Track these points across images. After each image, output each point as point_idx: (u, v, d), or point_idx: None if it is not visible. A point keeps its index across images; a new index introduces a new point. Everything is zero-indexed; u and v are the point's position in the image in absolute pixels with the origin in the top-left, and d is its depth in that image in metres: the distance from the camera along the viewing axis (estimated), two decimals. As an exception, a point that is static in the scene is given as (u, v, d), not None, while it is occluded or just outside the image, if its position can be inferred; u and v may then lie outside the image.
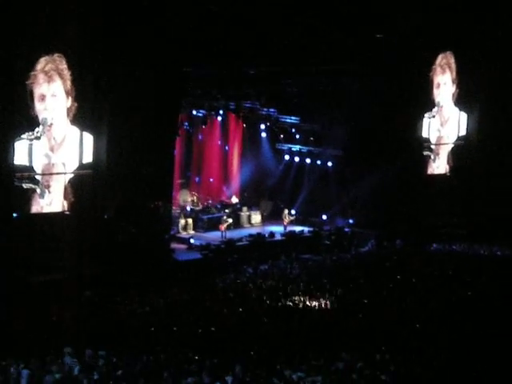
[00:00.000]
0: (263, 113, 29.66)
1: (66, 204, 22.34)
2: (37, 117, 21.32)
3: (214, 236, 27.76)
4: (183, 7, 23.30)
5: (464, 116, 31.71)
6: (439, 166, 31.37)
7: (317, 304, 19.36)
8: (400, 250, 26.12)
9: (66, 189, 22.34)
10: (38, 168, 21.63)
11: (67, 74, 21.72)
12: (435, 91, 30.66)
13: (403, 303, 19.09)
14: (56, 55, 21.40)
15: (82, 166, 22.48)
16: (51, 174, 21.99)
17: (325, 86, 28.28)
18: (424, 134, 30.50)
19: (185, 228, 28.03)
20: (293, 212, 30.12)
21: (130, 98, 22.92)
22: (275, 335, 16.70)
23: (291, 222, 29.65)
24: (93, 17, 21.73)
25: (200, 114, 28.69)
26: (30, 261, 20.81)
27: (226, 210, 29.67)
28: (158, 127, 23.81)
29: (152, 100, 23.26)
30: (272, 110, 29.49)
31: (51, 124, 21.65)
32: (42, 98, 21.44)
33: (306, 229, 29.43)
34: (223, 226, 27.94)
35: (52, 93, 21.61)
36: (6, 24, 19.92)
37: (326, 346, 15.85)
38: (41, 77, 21.27)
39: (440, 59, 30.55)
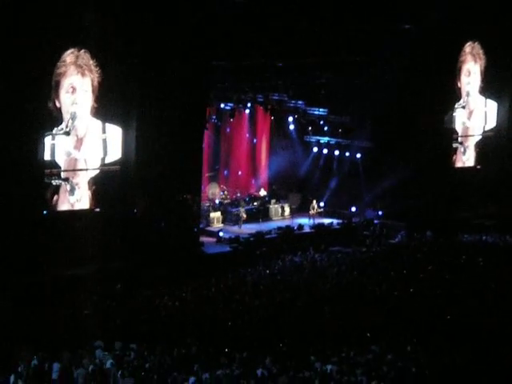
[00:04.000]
0: (291, 105, 29.53)
1: (95, 200, 22.47)
2: (60, 109, 21.43)
3: (246, 229, 27.82)
4: (210, 1, 23.29)
5: (492, 106, 31.39)
6: (469, 158, 31.12)
7: (347, 296, 19.26)
8: (430, 241, 25.94)
9: (94, 185, 22.48)
10: (62, 164, 21.74)
11: (95, 69, 21.86)
12: (463, 80, 30.40)
13: (434, 294, 18.96)
14: (83, 51, 21.53)
15: (108, 162, 22.61)
16: (80, 170, 22.13)
17: (352, 77, 28.13)
18: (452, 126, 30.27)
19: (218, 221, 28.06)
20: (321, 204, 30.02)
21: (158, 93, 23.01)
22: (305, 327, 16.66)
23: (319, 214, 29.55)
24: (120, 13, 21.83)
25: (228, 107, 28.61)
26: (61, 256, 20.98)
27: (254, 204, 29.66)
28: (187, 121, 23.85)
29: (180, 94, 23.30)
30: (300, 102, 29.35)
31: (78, 118, 21.80)
32: (71, 90, 21.54)
33: (335, 221, 29.32)
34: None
35: (81, 86, 21.73)
36: (36, 13, 19.96)
37: (356, 338, 15.81)
38: (72, 68, 21.39)
39: (468, 48, 30.26)
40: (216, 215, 28.09)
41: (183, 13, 22.86)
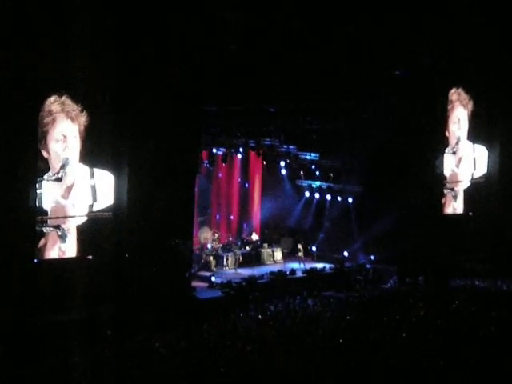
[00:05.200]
0: (283, 150, 29.72)
1: (86, 247, 22.37)
2: (48, 159, 21.36)
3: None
4: (203, 45, 23.50)
5: (481, 152, 31.59)
6: (460, 204, 31.24)
7: (340, 341, 19.15)
8: (423, 287, 25.88)
9: (85, 232, 22.40)
10: (50, 210, 21.62)
11: (81, 113, 21.80)
12: (452, 127, 30.63)
13: (427, 340, 18.87)
14: (65, 96, 21.46)
15: (98, 209, 22.55)
16: (70, 216, 22.02)
17: (343, 122, 28.36)
18: (442, 171, 30.45)
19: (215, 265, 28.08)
20: (313, 248, 30.04)
21: (149, 137, 23.07)
22: (299, 375, 16.53)
23: (307, 257, 29.59)
24: (109, 54, 21.89)
25: (220, 152, 28.79)
26: (51, 302, 20.81)
27: (247, 248, 29.67)
28: (179, 165, 23.90)
29: (172, 138, 23.39)
30: (291, 146, 29.56)
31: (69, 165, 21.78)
32: (62, 138, 21.52)
33: (327, 265, 29.30)
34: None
35: (71, 133, 21.72)
36: (15, 59, 19.89)
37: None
38: (61, 116, 21.38)
39: (455, 95, 30.53)
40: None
41: (175, 58, 23.02)
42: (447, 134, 30.59)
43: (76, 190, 22.13)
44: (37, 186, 21.15)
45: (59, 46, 20.69)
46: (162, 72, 22.74)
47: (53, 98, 21.30)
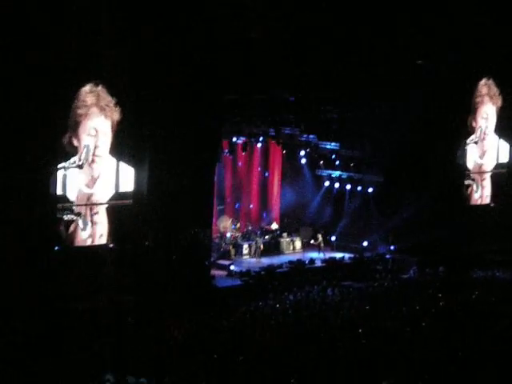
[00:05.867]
0: (303, 139, 29.68)
1: (106, 235, 22.47)
2: (78, 147, 21.47)
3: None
4: (223, 35, 23.48)
5: (505, 145, 31.37)
6: (482, 195, 31.06)
7: (360, 331, 19.15)
8: (443, 277, 25.80)
9: (106, 220, 22.49)
10: (74, 198, 21.72)
11: (114, 108, 21.85)
12: (478, 118, 30.42)
13: (446, 331, 18.82)
14: (100, 86, 21.53)
15: (120, 196, 22.64)
16: (92, 204, 22.11)
17: (365, 111, 28.23)
18: (464, 162, 30.29)
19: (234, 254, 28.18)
20: (332, 238, 30.04)
21: (170, 127, 23.12)
22: (316, 363, 16.55)
23: (326, 247, 29.59)
24: (137, 49, 21.94)
25: (240, 141, 28.78)
26: (72, 290, 20.94)
27: (266, 237, 29.71)
28: (199, 154, 23.93)
29: (193, 127, 23.42)
30: (311, 136, 29.49)
31: (94, 155, 21.83)
32: (94, 133, 21.54)
33: (346, 255, 29.28)
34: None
35: (103, 128, 21.73)
36: (55, 49, 19.99)
37: (367, 374, 15.68)
38: (94, 110, 21.39)
39: (483, 86, 30.29)
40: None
41: (196, 48, 23.03)
42: (474, 124, 30.39)
43: (101, 180, 22.20)
44: (61, 172, 21.23)
45: (95, 34, 20.75)
46: (185, 62, 22.76)
47: (88, 88, 21.32)
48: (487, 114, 30.62)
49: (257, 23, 24.33)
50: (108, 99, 21.64)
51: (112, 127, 21.95)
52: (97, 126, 21.64)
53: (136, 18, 21.66)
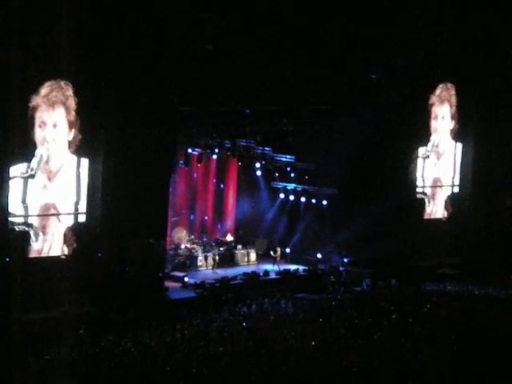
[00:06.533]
0: (258, 151, 29.75)
1: (59, 247, 22.25)
2: (35, 146, 21.20)
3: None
4: (180, 46, 23.52)
5: (460, 153, 31.72)
6: (434, 210, 31.38)
7: (312, 343, 19.21)
8: (395, 290, 26.02)
9: (58, 231, 22.27)
10: (33, 209, 21.48)
11: (72, 103, 21.69)
12: (433, 124, 30.74)
13: (398, 343, 18.98)
14: (62, 82, 21.35)
15: (77, 207, 22.45)
16: (45, 215, 21.89)
17: (319, 125, 28.45)
18: (416, 176, 30.60)
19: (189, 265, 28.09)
20: (286, 250, 30.13)
21: (125, 138, 23.03)
22: (269, 377, 16.56)
23: (282, 259, 29.66)
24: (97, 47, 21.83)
25: (195, 152, 28.76)
26: (24, 301, 20.66)
27: (221, 248, 29.68)
28: (154, 165, 23.86)
29: (148, 139, 23.36)
30: (267, 148, 29.58)
31: (48, 157, 21.62)
32: (43, 125, 21.34)
33: (301, 267, 29.38)
34: None
35: (53, 122, 21.56)
36: (13, 43, 19.86)
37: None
38: (44, 102, 21.20)
39: (439, 91, 30.62)
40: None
41: (153, 59, 23.01)
42: (428, 135, 30.67)
43: (57, 183, 22.03)
44: (17, 182, 20.98)
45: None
46: (139, 73, 22.71)
47: (47, 83, 21.16)
48: (441, 117, 30.87)
49: (213, 34, 24.40)
50: (62, 91, 21.43)
51: (70, 123, 21.76)
52: (47, 119, 21.39)
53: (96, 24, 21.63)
